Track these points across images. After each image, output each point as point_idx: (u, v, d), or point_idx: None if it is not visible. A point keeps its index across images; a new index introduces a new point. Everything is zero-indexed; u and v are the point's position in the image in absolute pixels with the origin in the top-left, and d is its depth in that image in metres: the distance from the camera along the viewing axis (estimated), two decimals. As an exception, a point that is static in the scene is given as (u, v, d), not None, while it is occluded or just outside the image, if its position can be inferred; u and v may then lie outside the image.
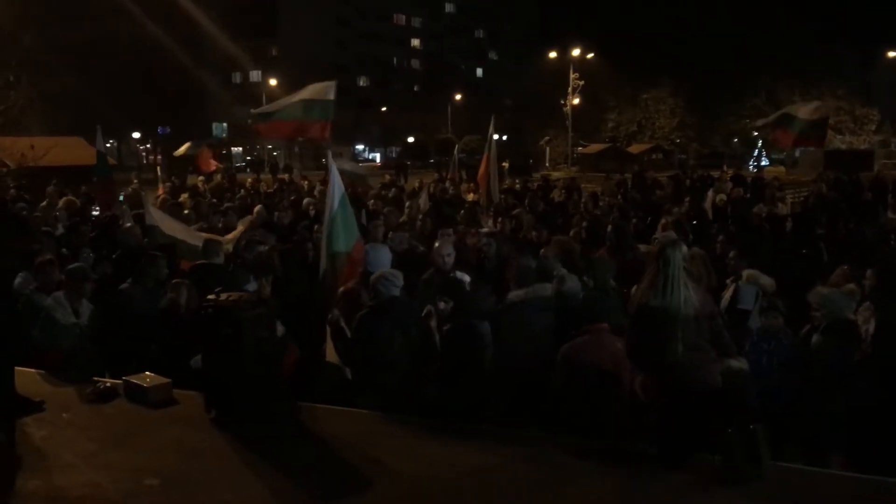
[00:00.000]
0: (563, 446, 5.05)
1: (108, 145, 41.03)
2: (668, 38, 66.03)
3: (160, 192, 20.65)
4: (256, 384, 5.51)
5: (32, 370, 6.10)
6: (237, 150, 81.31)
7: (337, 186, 7.82)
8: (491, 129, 14.73)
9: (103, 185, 15.19)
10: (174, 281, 6.94)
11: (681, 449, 4.73)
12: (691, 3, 67.52)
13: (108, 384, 5.97)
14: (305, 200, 14.32)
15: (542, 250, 7.88)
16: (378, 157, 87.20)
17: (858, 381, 5.44)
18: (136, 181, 27.46)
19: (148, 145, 77.23)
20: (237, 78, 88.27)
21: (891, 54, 60.86)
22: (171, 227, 9.45)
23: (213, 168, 23.23)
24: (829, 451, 5.60)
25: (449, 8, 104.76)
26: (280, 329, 6.01)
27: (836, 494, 4.57)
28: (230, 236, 9.76)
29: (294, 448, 5.19)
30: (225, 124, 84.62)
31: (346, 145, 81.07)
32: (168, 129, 76.75)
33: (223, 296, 5.63)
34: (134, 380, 5.95)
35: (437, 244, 7.77)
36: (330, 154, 9.76)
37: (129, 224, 9.97)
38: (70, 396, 5.94)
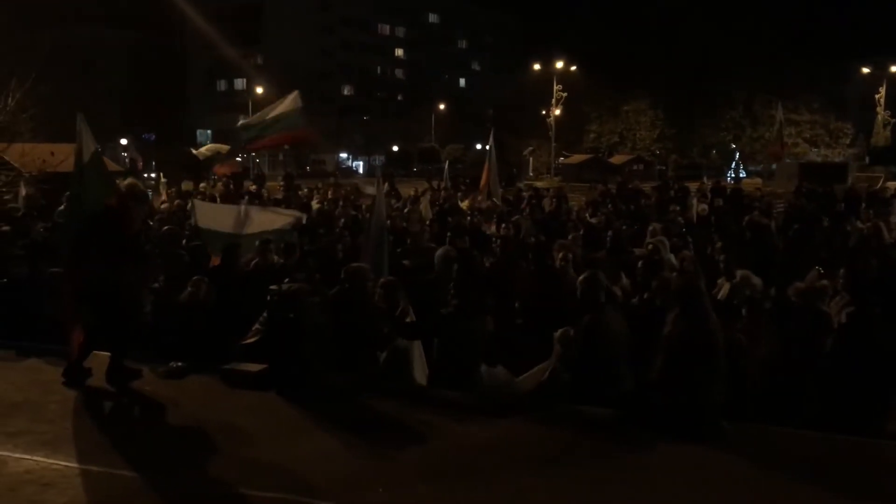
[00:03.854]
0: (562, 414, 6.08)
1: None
2: (648, 52, 67.27)
3: (164, 196, 21.26)
4: (314, 361, 6.40)
5: (105, 353, 6.85)
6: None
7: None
8: (491, 140, 15.65)
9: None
10: (195, 278, 7.65)
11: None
12: (671, 18, 68.89)
13: (180, 364, 6.79)
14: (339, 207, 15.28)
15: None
16: (361, 165, 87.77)
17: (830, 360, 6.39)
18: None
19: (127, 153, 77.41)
20: (222, 85, 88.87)
21: (864, 70, 62.53)
22: (214, 218, 9.81)
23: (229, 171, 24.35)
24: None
25: (432, 18, 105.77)
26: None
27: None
28: (278, 215, 10.65)
29: (342, 415, 6.08)
30: (209, 131, 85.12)
31: (329, 153, 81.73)
32: (153, 136, 77.29)
33: (283, 286, 6.51)
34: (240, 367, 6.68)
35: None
36: (380, 172, 10.73)
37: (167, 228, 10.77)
38: (147, 374, 6.77)
